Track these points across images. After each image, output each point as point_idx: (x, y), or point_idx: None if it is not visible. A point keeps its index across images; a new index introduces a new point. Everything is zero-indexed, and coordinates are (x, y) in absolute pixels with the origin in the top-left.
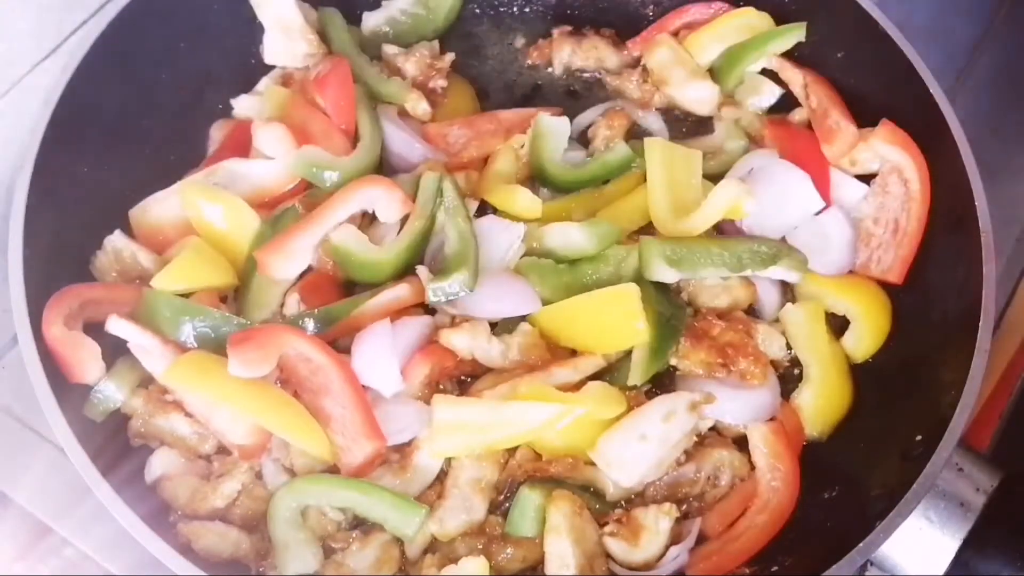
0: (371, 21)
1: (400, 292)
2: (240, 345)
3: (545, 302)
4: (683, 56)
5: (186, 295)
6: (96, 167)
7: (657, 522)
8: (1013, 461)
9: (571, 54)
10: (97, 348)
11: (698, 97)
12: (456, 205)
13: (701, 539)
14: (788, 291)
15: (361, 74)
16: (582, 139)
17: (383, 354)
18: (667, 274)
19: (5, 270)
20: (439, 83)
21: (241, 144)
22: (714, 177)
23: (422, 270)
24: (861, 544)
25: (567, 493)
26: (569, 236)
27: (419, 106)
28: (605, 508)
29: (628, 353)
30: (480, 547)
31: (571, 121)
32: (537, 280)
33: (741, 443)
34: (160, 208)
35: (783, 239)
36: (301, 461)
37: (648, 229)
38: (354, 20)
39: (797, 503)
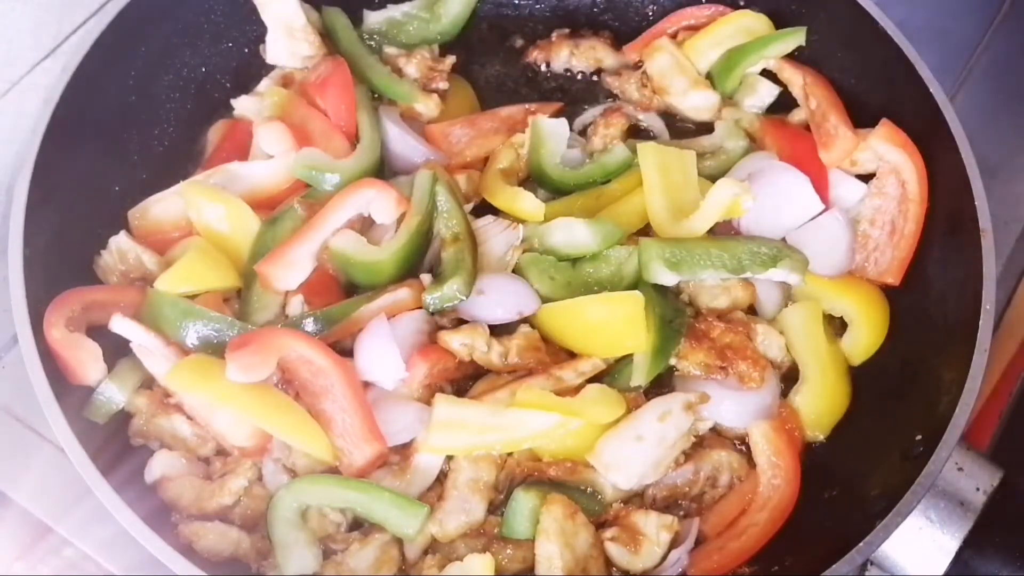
0: (373, 22)
1: (400, 295)
2: (238, 350)
3: (544, 299)
4: (683, 63)
5: (190, 296)
6: (96, 167)
7: (658, 534)
8: (1013, 460)
9: (570, 55)
10: (98, 350)
11: (698, 106)
12: (451, 208)
13: (699, 540)
14: (788, 291)
15: (370, 74)
16: (582, 137)
17: (383, 344)
18: (666, 277)
19: (5, 270)
20: (440, 85)
21: (239, 145)
22: (714, 177)
23: (426, 277)
24: (861, 544)
25: (561, 497)
26: (574, 232)
27: (430, 106)
28: (603, 509)
29: (628, 356)
30: (480, 547)
31: (571, 121)
32: (536, 276)
33: (740, 444)
34: (159, 208)
35: (782, 240)
36: (303, 462)
37: (649, 230)
38: (356, 21)
39: (797, 502)
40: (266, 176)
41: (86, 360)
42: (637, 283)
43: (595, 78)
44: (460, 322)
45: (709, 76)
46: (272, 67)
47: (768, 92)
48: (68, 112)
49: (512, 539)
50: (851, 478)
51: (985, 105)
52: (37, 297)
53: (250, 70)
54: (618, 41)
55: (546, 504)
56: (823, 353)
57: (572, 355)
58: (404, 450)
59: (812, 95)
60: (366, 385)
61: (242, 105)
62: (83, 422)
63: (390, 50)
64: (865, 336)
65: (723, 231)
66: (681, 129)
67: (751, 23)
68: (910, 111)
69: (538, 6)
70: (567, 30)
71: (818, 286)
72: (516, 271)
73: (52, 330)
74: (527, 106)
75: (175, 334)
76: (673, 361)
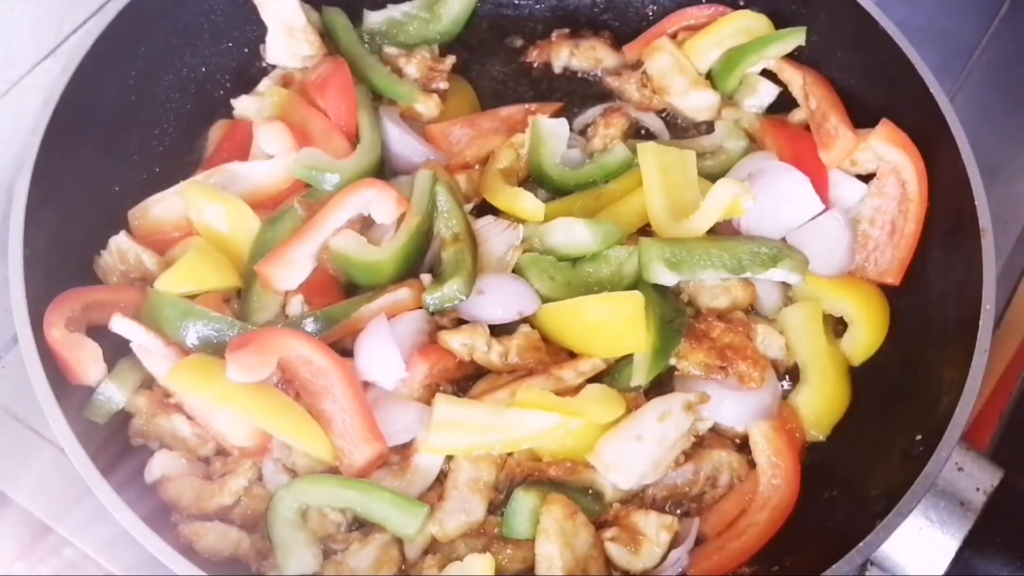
0: (373, 22)
1: (400, 295)
2: (238, 350)
3: (544, 299)
4: (683, 63)
5: (190, 296)
6: (96, 167)
7: (658, 534)
8: (1013, 460)
9: (569, 55)
10: (98, 349)
11: (698, 106)
12: (451, 208)
13: (699, 540)
14: (788, 290)
15: (370, 74)
16: (583, 137)
17: (383, 344)
18: (666, 277)
19: (5, 270)
20: (440, 85)
21: (239, 145)
22: (714, 177)
23: (426, 277)
24: (861, 544)
25: (560, 497)
26: (573, 232)
27: (430, 106)
28: (603, 509)
29: (628, 356)
30: (480, 547)
31: (571, 121)
32: (536, 276)
33: (740, 444)
34: (159, 208)
35: (782, 240)
36: (303, 462)
37: (649, 230)
38: (356, 21)
39: (797, 502)
40: (266, 176)
41: (86, 360)
42: (637, 283)
43: (595, 78)
44: (460, 322)
45: (709, 76)
46: (272, 67)
47: (768, 92)
48: (68, 112)
49: (512, 539)
50: (851, 478)
51: (985, 105)
52: (37, 297)
53: (250, 70)
54: (618, 41)
55: (546, 504)
56: (823, 353)
57: (572, 355)
58: (404, 450)
59: (812, 95)
60: (366, 385)
61: (242, 105)
62: (83, 422)
63: (390, 50)
64: (865, 336)
65: (723, 231)
66: (681, 129)
67: (751, 23)
68: (910, 111)
69: (538, 6)
70: (567, 30)
71: (818, 286)
72: (516, 271)
73: (52, 330)
74: (527, 106)
75: (175, 334)
76: (673, 361)
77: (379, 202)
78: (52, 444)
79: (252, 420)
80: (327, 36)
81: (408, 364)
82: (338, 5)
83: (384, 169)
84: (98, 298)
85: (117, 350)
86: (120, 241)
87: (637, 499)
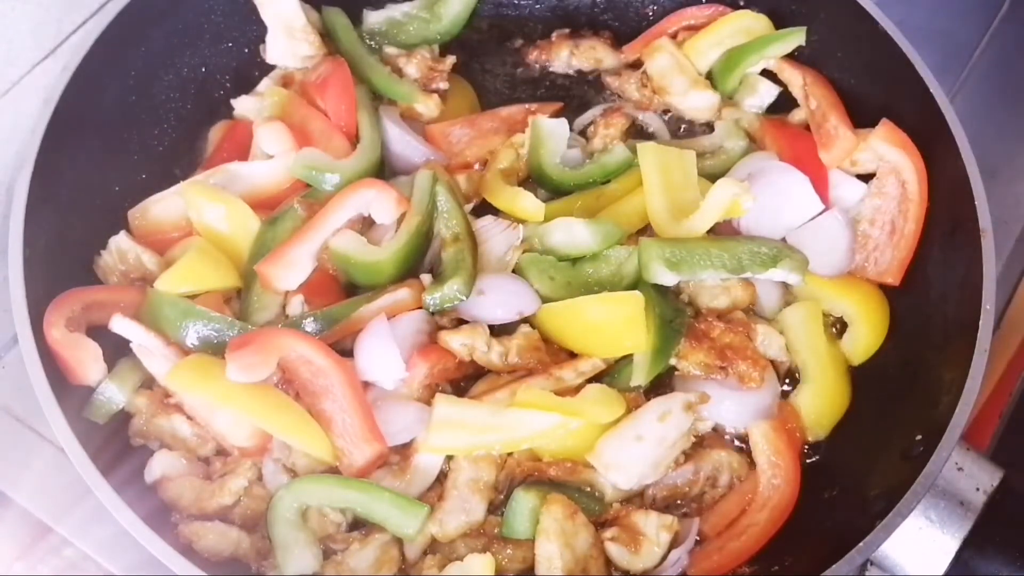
0: (373, 22)
1: (401, 295)
2: (238, 350)
3: (544, 299)
4: (683, 63)
5: (190, 296)
6: (96, 167)
7: (658, 535)
8: (1013, 460)
9: (570, 55)
10: (98, 349)
11: (698, 106)
12: (451, 208)
13: (699, 540)
14: (788, 291)
15: (370, 74)
16: (583, 137)
17: (383, 344)
18: (666, 277)
19: (5, 270)
20: (440, 85)
21: (239, 145)
22: (714, 177)
23: (426, 277)
24: (861, 544)
25: (560, 497)
26: (573, 232)
27: (430, 106)
28: (603, 509)
29: (628, 356)
30: (480, 547)
31: (571, 121)
32: (536, 276)
33: (740, 444)
34: (159, 208)
35: (782, 240)
36: (303, 462)
37: (649, 230)
38: (356, 21)
39: (797, 502)
40: (266, 176)
41: (86, 360)
42: (637, 283)
43: (595, 78)
44: (460, 322)
45: (709, 76)
46: (272, 67)
47: (768, 92)
48: (68, 112)
49: (512, 539)
50: (851, 478)
51: (985, 105)
52: (37, 297)
53: (250, 70)
54: (618, 41)
55: (546, 504)
56: (823, 353)
57: (572, 355)
58: (404, 450)
59: (812, 95)
60: (366, 385)
61: (242, 105)
62: (83, 422)
63: (390, 50)
64: (865, 336)
65: (723, 231)
66: (681, 129)
67: (751, 23)
68: (910, 111)
69: (538, 6)
70: (567, 30)
71: (818, 286)
72: (516, 271)
73: (52, 330)
74: (527, 106)
75: (175, 334)
76: (673, 361)
77: (379, 202)
78: (52, 444)
79: (252, 420)
80: (327, 36)
81: (408, 364)
82: (338, 5)
83: (384, 169)
84: (98, 298)
85: (117, 350)
86: (120, 241)
87: (637, 499)
